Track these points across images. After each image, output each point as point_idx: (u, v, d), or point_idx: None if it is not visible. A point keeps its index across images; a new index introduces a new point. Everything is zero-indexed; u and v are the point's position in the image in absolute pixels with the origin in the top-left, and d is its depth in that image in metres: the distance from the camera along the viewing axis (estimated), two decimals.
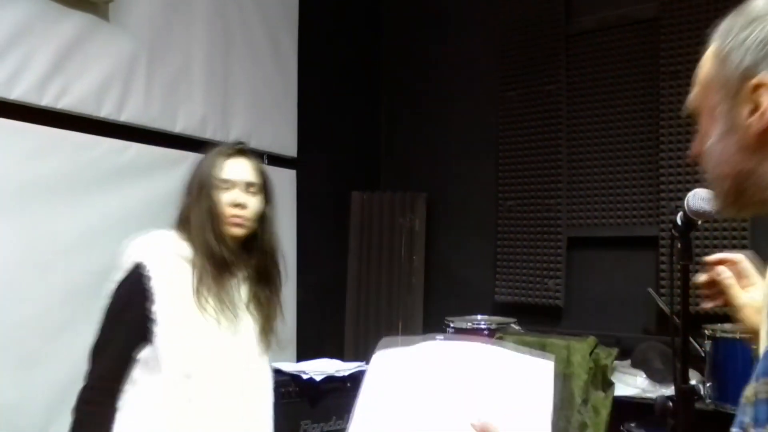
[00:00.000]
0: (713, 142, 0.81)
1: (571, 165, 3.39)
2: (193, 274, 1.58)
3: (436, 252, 3.89)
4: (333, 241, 3.86)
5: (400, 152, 4.15)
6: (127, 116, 2.74)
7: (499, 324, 3.22)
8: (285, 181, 3.50)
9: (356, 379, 2.49)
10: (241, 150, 1.71)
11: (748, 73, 0.76)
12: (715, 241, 2.87)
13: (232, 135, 3.21)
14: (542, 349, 2.96)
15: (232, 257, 1.63)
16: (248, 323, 1.66)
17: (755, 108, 0.76)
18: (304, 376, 2.39)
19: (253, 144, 3.31)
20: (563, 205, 3.40)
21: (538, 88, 3.50)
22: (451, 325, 3.22)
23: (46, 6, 2.45)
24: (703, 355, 2.49)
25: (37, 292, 2.31)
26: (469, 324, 3.22)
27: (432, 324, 3.65)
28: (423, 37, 4.08)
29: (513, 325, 3.23)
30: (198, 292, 1.57)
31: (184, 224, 1.65)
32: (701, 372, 2.56)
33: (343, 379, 2.48)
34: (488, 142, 3.69)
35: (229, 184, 1.64)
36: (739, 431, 0.76)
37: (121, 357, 1.54)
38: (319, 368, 2.48)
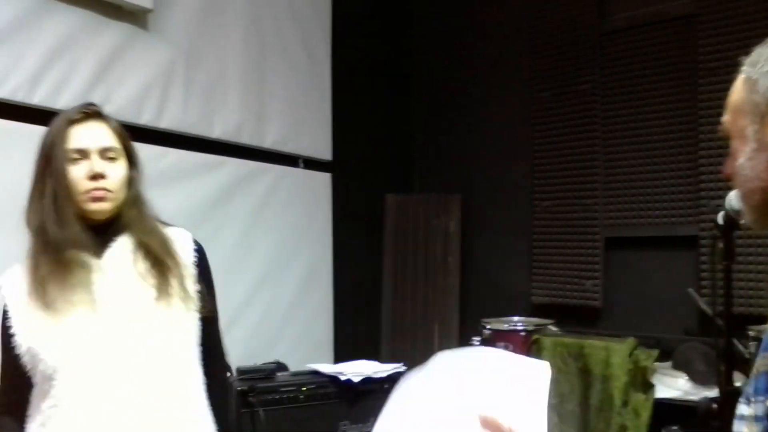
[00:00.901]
0: (743, 161, 0.89)
1: (608, 164, 3.35)
2: (29, 268, 1.37)
3: (472, 253, 3.88)
4: (368, 243, 3.88)
5: (434, 154, 4.15)
6: (166, 123, 2.80)
7: (536, 325, 3.19)
8: (320, 184, 3.54)
9: (394, 380, 2.49)
10: (90, 113, 1.43)
11: None
12: (758, 240, 2.81)
13: (268, 140, 3.26)
14: (581, 350, 2.94)
15: (79, 236, 1.36)
16: (135, 299, 1.38)
17: None
18: (342, 378, 2.41)
19: (289, 148, 3.37)
20: (600, 205, 3.36)
21: (571, 88, 3.47)
22: (488, 327, 3.21)
23: (88, 17, 2.53)
24: (747, 356, 2.43)
25: None
26: (506, 326, 3.21)
27: (468, 326, 3.64)
28: (455, 38, 4.08)
29: (550, 327, 3.20)
30: (35, 284, 1.34)
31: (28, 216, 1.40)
32: (745, 374, 2.50)
33: (380, 381, 2.49)
34: (522, 142, 3.67)
35: (82, 154, 1.38)
36: (744, 401, 0.89)
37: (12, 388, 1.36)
38: (356, 370, 2.49)
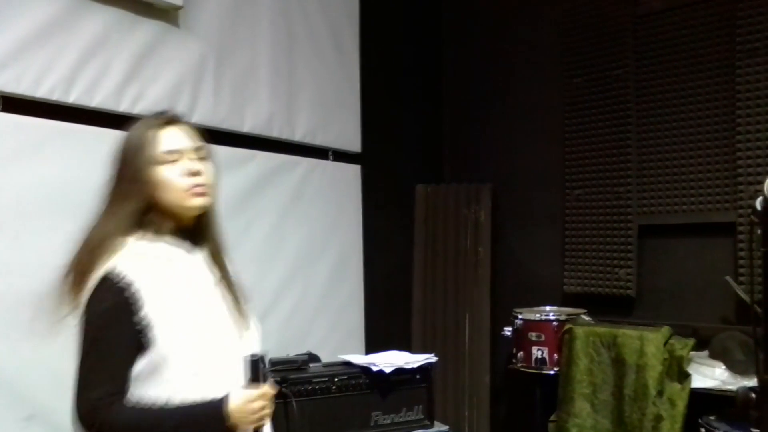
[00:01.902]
0: None
1: (641, 151, 3.30)
2: (167, 266, 1.42)
3: (503, 243, 3.86)
4: (399, 234, 3.89)
5: (463, 143, 4.13)
6: (198, 118, 2.83)
7: (568, 315, 3.17)
8: (350, 176, 3.55)
9: (425, 371, 2.51)
10: (173, 118, 1.51)
11: None
12: None
13: (298, 132, 3.28)
14: (614, 340, 2.91)
15: (186, 230, 1.47)
16: (222, 307, 1.49)
17: None
18: (374, 368, 2.43)
19: (318, 140, 3.39)
20: (633, 193, 3.31)
21: (605, 74, 3.41)
22: (519, 316, 3.20)
23: (120, 16, 2.57)
24: None
25: None
26: (538, 315, 3.19)
27: (500, 316, 3.63)
28: (484, 25, 4.05)
29: (583, 316, 3.18)
30: (176, 281, 1.41)
31: (126, 218, 1.43)
32: None
33: (412, 371, 2.50)
34: (554, 130, 3.63)
35: (176, 155, 1.44)
36: None
37: (124, 371, 1.36)
38: (388, 360, 2.51)
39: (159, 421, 1.33)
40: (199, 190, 1.44)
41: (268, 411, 1.38)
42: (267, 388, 1.39)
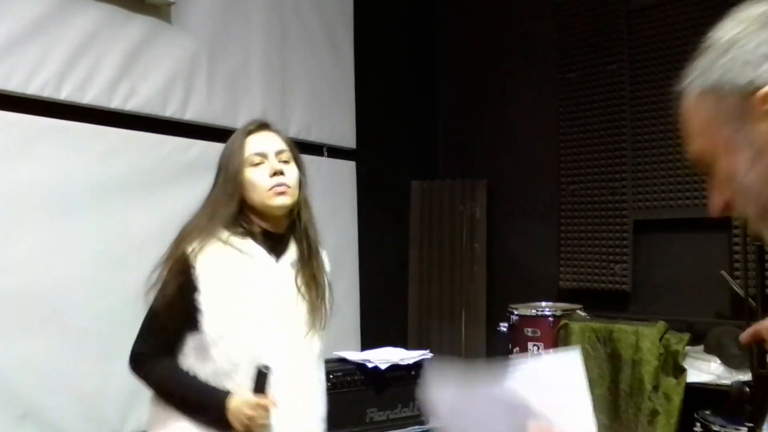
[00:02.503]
0: (744, 174, 0.74)
1: (636, 146, 3.29)
2: (240, 260, 1.53)
3: (499, 239, 3.86)
4: (394, 230, 3.88)
5: (459, 139, 4.12)
6: (191, 115, 2.82)
7: (564, 310, 3.17)
8: (345, 172, 3.54)
9: (421, 367, 2.51)
10: (263, 124, 1.66)
11: (752, 89, 0.71)
12: None
13: (292, 129, 3.27)
14: (610, 335, 2.91)
15: (276, 234, 1.57)
16: (296, 307, 1.59)
17: None
18: (369, 365, 2.42)
19: (313, 137, 3.38)
20: (628, 188, 3.31)
21: (599, 68, 3.41)
22: (515, 312, 3.20)
23: (112, 12, 2.55)
24: None
25: (114, 286, 2.42)
26: (534, 311, 3.19)
27: (495, 312, 3.63)
28: (479, 20, 4.03)
29: (579, 312, 3.18)
30: (242, 277, 1.52)
31: (223, 214, 1.56)
32: None
33: (407, 368, 2.50)
34: (549, 126, 3.62)
35: (261, 157, 1.57)
36: None
37: (169, 340, 1.54)
38: (383, 357, 2.50)
39: (175, 385, 1.52)
40: (280, 189, 1.54)
41: (259, 421, 1.46)
42: (266, 401, 1.47)
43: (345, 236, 3.51)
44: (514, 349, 3.19)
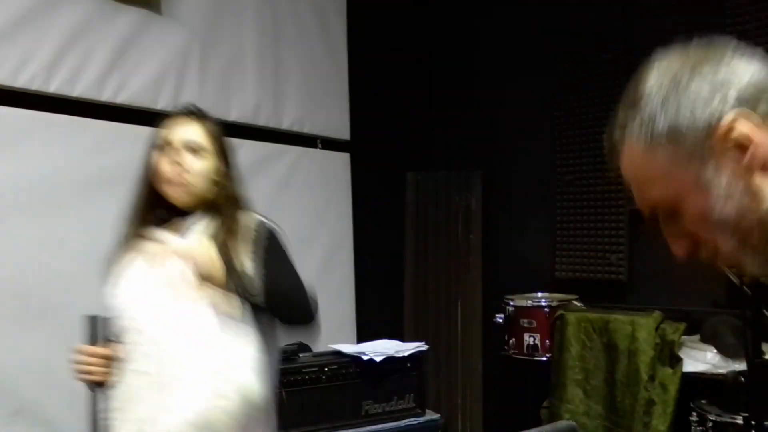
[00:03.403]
0: (720, 211, 0.74)
1: None
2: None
3: (494, 230, 3.84)
4: (389, 222, 3.86)
5: (453, 130, 4.10)
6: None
7: (560, 301, 3.16)
8: (339, 164, 3.53)
9: (416, 359, 2.50)
10: (187, 110, 1.64)
11: (710, 125, 0.72)
12: None
13: (285, 121, 3.25)
14: (606, 325, 2.90)
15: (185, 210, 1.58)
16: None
17: (740, 147, 0.72)
18: (364, 357, 2.41)
19: (306, 129, 3.36)
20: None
21: (594, 58, 3.39)
22: (511, 303, 3.19)
23: (102, 4, 2.52)
24: None
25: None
26: (530, 302, 3.18)
27: (491, 303, 3.62)
28: (472, 11, 4.00)
29: (575, 302, 3.17)
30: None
31: (137, 209, 1.65)
32: None
33: (403, 360, 2.49)
34: (544, 116, 3.60)
35: (167, 144, 1.58)
36: None
37: None
38: (378, 349, 2.49)
39: None
40: (174, 179, 1.55)
41: (91, 369, 1.48)
42: (97, 349, 1.49)
43: (340, 228, 3.49)
44: (510, 340, 3.18)
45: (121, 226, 1.63)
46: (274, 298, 1.56)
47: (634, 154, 0.78)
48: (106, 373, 1.49)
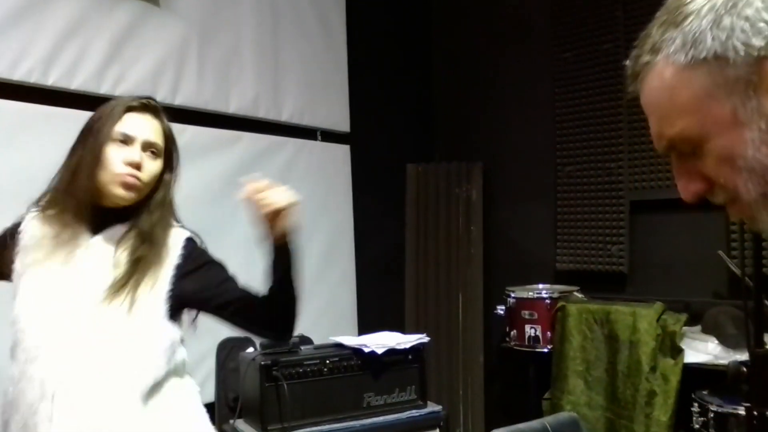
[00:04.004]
0: (752, 156, 0.66)
1: (632, 126, 3.26)
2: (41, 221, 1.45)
3: (495, 221, 3.84)
4: (390, 214, 3.86)
5: (454, 122, 4.09)
6: (181, 99, 2.79)
7: (561, 293, 3.16)
8: (339, 156, 3.52)
9: (418, 351, 2.49)
10: (149, 105, 1.49)
11: (758, 56, 0.64)
12: None
13: (285, 113, 3.24)
14: (607, 316, 2.90)
15: (85, 210, 1.42)
16: (100, 271, 1.40)
17: None
18: (366, 350, 2.41)
19: (306, 121, 3.34)
20: (625, 168, 3.28)
21: (594, 48, 3.37)
22: (512, 295, 3.19)
23: None
24: None
25: None
26: (531, 293, 3.18)
27: (493, 295, 3.62)
28: (473, 2, 3.98)
29: (576, 293, 3.17)
30: (36, 238, 1.44)
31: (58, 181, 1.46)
32: None
33: (404, 352, 2.48)
34: (544, 107, 3.59)
35: (127, 140, 1.42)
36: None
37: None
38: (380, 341, 2.48)
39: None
40: (128, 180, 1.41)
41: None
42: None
43: (340, 220, 3.49)
44: (512, 332, 3.18)
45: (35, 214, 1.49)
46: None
47: (666, 78, 0.70)
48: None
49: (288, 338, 1.52)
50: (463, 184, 3.82)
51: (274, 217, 1.44)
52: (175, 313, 1.47)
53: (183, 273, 1.47)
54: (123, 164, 1.41)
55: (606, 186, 3.34)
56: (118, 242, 1.44)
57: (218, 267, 1.55)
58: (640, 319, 2.81)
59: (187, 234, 1.53)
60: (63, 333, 1.37)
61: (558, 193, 3.53)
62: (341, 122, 3.52)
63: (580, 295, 3.16)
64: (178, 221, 1.55)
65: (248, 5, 3.08)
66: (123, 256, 1.42)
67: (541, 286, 3.33)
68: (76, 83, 2.44)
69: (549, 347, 3.06)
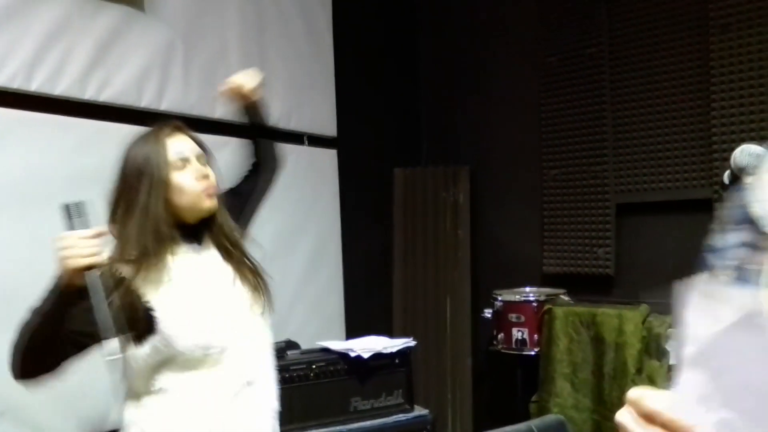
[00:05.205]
0: None
1: (617, 129, 3.29)
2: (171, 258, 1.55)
3: (482, 225, 3.85)
4: (377, 218, 3.86)
5: (440, 126, 4.10)
6: (167, 105, 2.78)
7: (548, 295, 3.17)
8: (326, 160, 3.51)
9: (404, 355, 2.50)
10: (178, 126, 1.65)
11: None
12: None
13: (271, 118, 3.22)
14: (593, 319, 2.91)
15: (192, 226, 1.59)
16: (236, 291, 1.60)
17: None
18: (352, 354, 2.41)
19: (293, 125, 3.34)
20: (610, 171, 3.30)
21: (579, 52, 3.39)
22: (499, 298, 3.20)
23: (83, 1, 2.50)
24: None
25: None
26: (518, 297, 3.19)
27: (480, 298, 3.63)
28: (459, 6, 4.00)
29: (562, 296, 3.18)
30: (178, 273, 1.54)
31: (160, 223, 1.53)
32: None
33: (391, 356, 2.49)
34: (530, 111, 3.61)
35: (184, 162, 1.57)
36: None
37: None
38: (366, 345, 2.49)
39: (30, 319, 1.45)
40: (211, 191, 1.58)
41: (74, 250, 1.37)
42: (81, 232, 1.41)
43: (327, 225, 3.49)
44: (499, 335, 3.19)
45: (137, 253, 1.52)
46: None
47: None
48: (95, 255, 1.41)
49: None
50: (450, 188, 3.83)
51: (244, 95, 1.81)
52: None
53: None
54: (197, 181, 1.56)
55: (591, 189, 3.36)
56: (218, 247, 1.62)
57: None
58: (626, 322, 2.83)
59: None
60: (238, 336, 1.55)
61: (544, 196, 3.55)
62: (328, 127, 3.51)
63: (566, 298, 3.18)
64: None
65: (234, 10, 3.07)
66: (232, 264, 1.61)
67: (528, 289, 3.34)
68: (60, 89, 2.43)
69: (536, 350, 3.07)
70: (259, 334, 1.63)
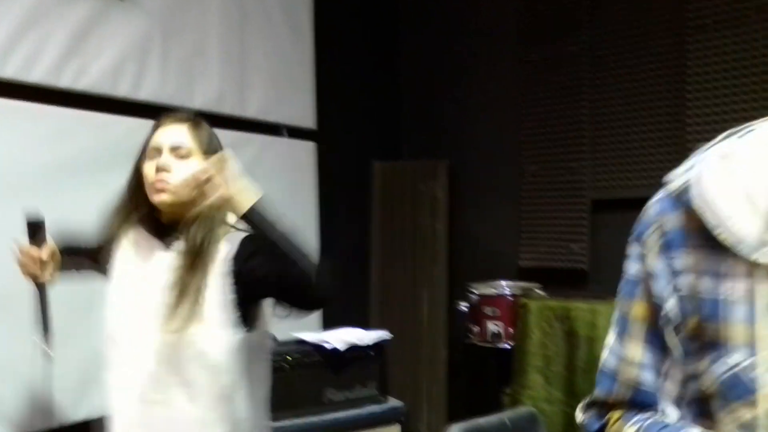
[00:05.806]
0: None
1: (595, 126, 3.33)
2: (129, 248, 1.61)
3: (460, 219, 3.88)
4: (355, 211, 3.87)
5: (420, 120, 4.11)
6: (144, 94, 2.76)
7: (522, 289, 3.21)
8: (305, 153, 3.51)
9: (379, 347, 2.52)
10: (178, 117, 1.61)
11: None
12: None
13: (250, 109, 3.22)
14: (567, 313, 2.95)
15: (168, 224, 1.56)
16: (162, 296, 1.48)
17: None
18: (327, 346, 2.43)
19: (272, 117, 3.33)
20: (587, 168, 3.34)
21: (559, 50, 3.42)
22: (475, 291, 3.23)
23: None
24: None
25: None
26: (493, 290, 3.22)
27: (457, 291, 3.65)
28: (441, 1, 4.01)
29: (537, 290, 3.22)
30: (125, 261, 1.61)
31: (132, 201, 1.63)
32: None
33: (365, 348, 2.51)
34: (510, 107, 3.63)
35: (156, 151, 1.54)
36: None
37: None
38: (341, 338, 2.51)
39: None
40: (158, 185, 1.51)
41: (25, 267, 1.63)
42: (33, 250, 1.62)
43: (305, 217, 3.49)
44: (475, 328, 3.22)
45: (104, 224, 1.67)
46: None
47: None
48: (44, 275, 1.63)
49: (317, 301, 1.56)
50: (428, 182, 3.85)
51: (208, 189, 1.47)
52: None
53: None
54: (153, 172, 1.52)
55: (568, 185, 3.40)
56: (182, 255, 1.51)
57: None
58: (599, 316, 2.87)
59: (241, 237, 1.52)
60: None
61: (522, 191, 3.58)
62: (307, 119, 3.51)
63: (541, 292, 3.21)
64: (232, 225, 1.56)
65: (214, 1, 3.05)
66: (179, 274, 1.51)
67: (503, 283, 3.38)
68: (35, 76, 2.40)
69: (511, 343, 3.11)
70: (160, 350, 1.47)
